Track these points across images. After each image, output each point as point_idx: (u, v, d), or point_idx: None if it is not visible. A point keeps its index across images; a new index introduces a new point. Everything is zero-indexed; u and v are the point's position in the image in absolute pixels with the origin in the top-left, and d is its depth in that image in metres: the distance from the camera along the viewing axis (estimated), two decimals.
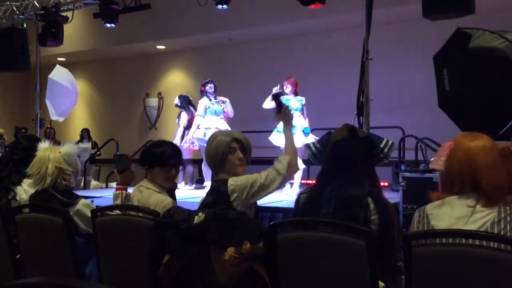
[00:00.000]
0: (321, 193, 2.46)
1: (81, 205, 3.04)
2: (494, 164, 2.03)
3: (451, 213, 2.02)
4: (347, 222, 2.18)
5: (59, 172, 3.08)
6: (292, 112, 6.38)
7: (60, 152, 3.13)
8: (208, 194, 2.64)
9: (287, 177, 2.69)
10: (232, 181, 2.57)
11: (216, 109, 7.11)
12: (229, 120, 7.29)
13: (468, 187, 2.05)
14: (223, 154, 2.64)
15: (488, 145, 2.08)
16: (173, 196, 3.19)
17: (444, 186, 2.15)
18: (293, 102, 6.65)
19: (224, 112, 7.16)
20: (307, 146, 2.72)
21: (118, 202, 3.04)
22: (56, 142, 9.43)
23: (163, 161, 2.98)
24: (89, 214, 2.85)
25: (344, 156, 2.51)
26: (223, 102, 7.22)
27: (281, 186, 2.71)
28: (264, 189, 2.61)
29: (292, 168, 2.69)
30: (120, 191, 3.07)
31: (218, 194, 2.55)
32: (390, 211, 2.45)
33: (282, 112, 2.87)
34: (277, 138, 6.29)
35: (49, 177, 3.06)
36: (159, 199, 2.87)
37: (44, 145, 3.23)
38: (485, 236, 1.90)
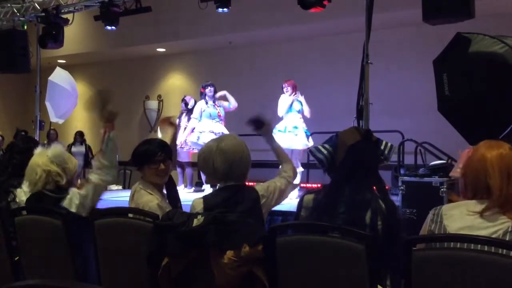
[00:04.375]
0: (336, 198, 2.42)
1: (71, 195, 3.06)
2: (507, 173, 2.02)
3: (465, 216, 2.02)
4: (351, 226, 2.18)
5: (47, 175, 3.10)
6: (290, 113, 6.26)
7: (47, 155, 3.16)
8: (236, 202, 2.46)
9: (293, 182, 2.85)
10: (259, 187, 2.61)
11: (211, 112, 7.10)
12: (228, 123, 7.28)
13: (480, 194, 2.05)
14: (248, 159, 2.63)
15: (505, 153, 2.07)
16: (176, 196, 3.20)
17: (461, 193, 2.16)
18: (296, 103, 6.66)
19: (219, 115, 7.14)
20: (316, 149, 2.65)
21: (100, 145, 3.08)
22: None
23: (149, 157, 3.01)
24: (78, 200, 2.97)
25: (361, 161, 2.49)
26: (220, 106, 7.20)
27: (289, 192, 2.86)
28: (283, 194, 2.73)
29: (294, 173, 2.89)
30: (103, 131, 3.09)
31: (248, 200, 2.50)
32: (399, 215, 2.46)
33: (264, 128, 2.94)
34: (276, 138, 6.28)
35: (39, 182, 3.09)
36: (146, 200, 2.90)
37: (37, 151, 3.25)
38: (487, 241, 1.89)
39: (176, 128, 3.63)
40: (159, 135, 3.42)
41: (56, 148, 3.22)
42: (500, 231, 1.95)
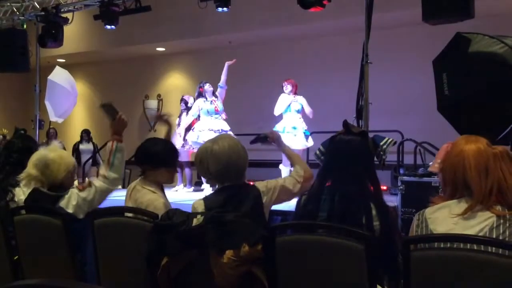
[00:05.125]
0: (320, 192, 2.47)
1: (69, 194, 3.05)
2: (485, 168, 2.02)
3: (449, 217, 2.02)
4: (347, 226, 2.19)
5: (29, 178, 3.13)
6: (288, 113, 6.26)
7: (32, 159, 3.17)
8: (237, 201, 2.46)
9: (305, 184, 2.74)
10: (260, 185, 2.60)
11: (208, 109, 7.08)
12: (228, 122, 7.29)
13: (460, 190, 2.04)
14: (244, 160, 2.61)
15: (482, 148, 2.06)
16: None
17: (442, 189, 2.15)
18: (294, 104, 6.65)
19: (216, 110, 7.11)
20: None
21: (107, 155, 3.06)
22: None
23: (170, 161, 3.03)
24: (75, 201, 2.97)
25: (340, 151, 2.53)
26: (216, 100, 7.18)
27: (299, 193, 2.77)
28: (288, 193, 2.70)
29: (307, 175, 2.77)
30: (111, 143, 3.06)
31: (250, 198, 2.49)
32: (391, 216, 2.47)
33: (272, 139, 2.99)
34: None
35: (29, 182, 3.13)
36: (152, 199, 2.88)
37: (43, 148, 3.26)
38: (484, 241, 1.89)
39: (170, 126, 3.62)
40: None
41: (41, 152, 3.20)
42: (486, 227, 1.94)
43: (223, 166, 2.50)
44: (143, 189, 2.96)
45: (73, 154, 9.46)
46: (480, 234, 1.93)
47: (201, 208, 2.47)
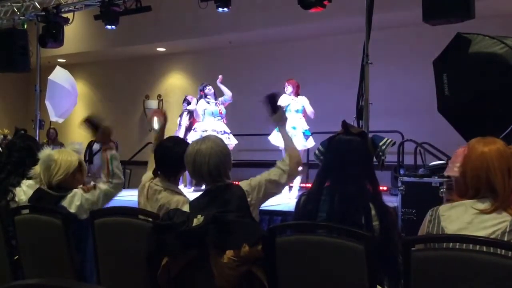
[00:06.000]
0: (320, 192, 2.48)
1: (73, 194, 3.08)
2: (507, 168, 2.03)
3: (463, 217, 2.01)
4: (347, 226, 2.19)
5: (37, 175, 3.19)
6: (288, 113, 6.29)
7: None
8: (222, 202, 2.45)
9: (292, 172, 2.69)
10: (244, 184, 2.58)
11: (213, 110, 7.24)
12: (229, 123, 7.32)
13: (483, 192, 2.04)
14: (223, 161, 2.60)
15: (502, 148, 2.07)
16: None
17: (460, 192, 2.15)
18: (294, 104, 6.65)
19: (220, 113, 7.23)
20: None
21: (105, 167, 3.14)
22: (58, 144, 9.42)
23: None
24: (79, 201, 3.02)
25: (339, 151, 2.54)
26: (221, 104, 7.29)
27: (288, 182, 2.73)
28: (275, 185, 2.64)
29: (294, 162, 2.70)
30: (104, 154, 3.15)
31: (233, 198, 2.47)
32: (391, 216, 2.47)
33: (278, 114, 2.87)
34: (277, 138, 6.28)
35: (37, 177, 3.20)
36: (180, 200, 2.91)
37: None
38: (485, 241, 1.89)
39: (166, 122, 3.57)
40: (155, 125, 3.46)
41: (49, 152, 3.21)
42: (499, 231, 1.94)
43: (191, 168, 2.56)
44: (165, 190, 2.98)
45: (86, 151, 9.40)
46: (492, 236, 1.93)
47: None
